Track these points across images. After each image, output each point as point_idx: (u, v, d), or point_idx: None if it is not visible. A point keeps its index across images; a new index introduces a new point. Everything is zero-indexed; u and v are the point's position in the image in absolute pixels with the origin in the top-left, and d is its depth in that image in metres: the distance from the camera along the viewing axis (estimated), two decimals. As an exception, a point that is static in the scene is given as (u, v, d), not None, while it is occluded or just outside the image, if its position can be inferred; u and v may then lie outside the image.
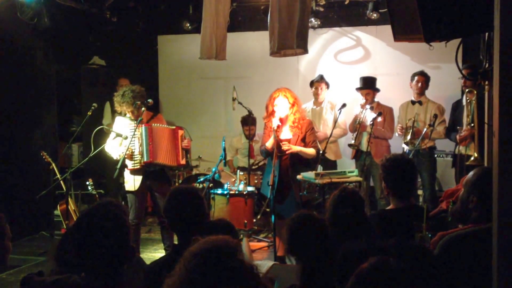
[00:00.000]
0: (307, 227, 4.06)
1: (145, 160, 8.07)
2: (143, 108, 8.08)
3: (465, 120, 8.95)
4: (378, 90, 10.25)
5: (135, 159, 8.10)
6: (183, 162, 8.44)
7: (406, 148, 9.74)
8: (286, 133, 8.09)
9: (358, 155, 10.06)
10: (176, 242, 4.86)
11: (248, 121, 11.00)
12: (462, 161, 8.97)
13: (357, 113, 10.29)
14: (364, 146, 9.87)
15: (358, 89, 10.31)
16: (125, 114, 8.33)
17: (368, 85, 10.24)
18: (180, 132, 8.42)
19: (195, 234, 3.66)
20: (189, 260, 2.73)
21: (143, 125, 8.10)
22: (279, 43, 7.60)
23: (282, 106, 8.01)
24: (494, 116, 2.65)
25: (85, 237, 3.49)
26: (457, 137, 9.06)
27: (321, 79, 10.72)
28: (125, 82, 11.03)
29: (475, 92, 8.56)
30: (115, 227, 3.52)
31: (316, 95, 10.67)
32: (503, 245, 2.65)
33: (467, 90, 8.83)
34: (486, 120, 6.81)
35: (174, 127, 8.44)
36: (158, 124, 8.29)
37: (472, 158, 8.47)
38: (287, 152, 7.95)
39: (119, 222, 3.57)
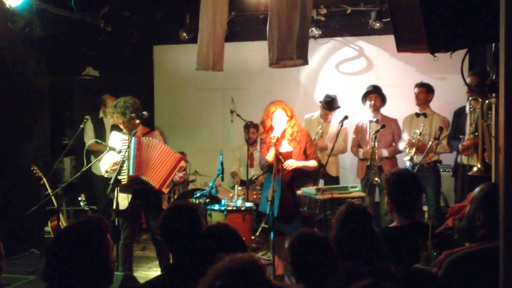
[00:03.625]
0: (311, 248, 4.03)
1: (130, 174, 7.88)
2: (137, 121, 8.00)
3: (468, 129, 8.92)
4: (385, 99, 10.23)
5: (123, 173, 7.92)
6: (165, 190, 8.24)
7: (408, 163, 9.71)
8: (285, 146, 8.06)
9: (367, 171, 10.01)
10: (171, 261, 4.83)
11: (251, 125, 10.98)
12: (465, 171, 8.94)
13: (359, 124, 10.28)
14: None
15: (366, 94, 10.26)
16: (121, 129, 8.27)
17: (376, 89, 10.22)
18: (182, 163, 8.24)
19: (192, 252, 3.63)
20: (214, 279, 2.69)
21: (133, 137, 7.95)
22: (279, 54, 7.60)
23: (280, 120, 7.97)
24: (500, 132, 2.62)
25: (61, 257, 3.48)
26: (460, 146, 9.03)
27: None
28: (110, 98, 10.97)
29: (480, 100, 8.55)
30: (91, 247, 3.50)
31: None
32: (509, 264, 2.63)
33: (470, 98, 8.81)
34: (492, 133, 6.79)
35: (179, 154, 8.25)
36: (151, 138, 8.17)
37: (475, 169, 8.44)
38: (289, 169, 7.93)
39: (96, 242, 3.55)
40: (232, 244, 4.09)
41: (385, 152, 9.93)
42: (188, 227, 4.48)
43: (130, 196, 8.02)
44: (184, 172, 8.35)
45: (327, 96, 10.46)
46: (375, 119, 10.00)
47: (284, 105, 8.07)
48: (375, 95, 10.17)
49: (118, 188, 7.93)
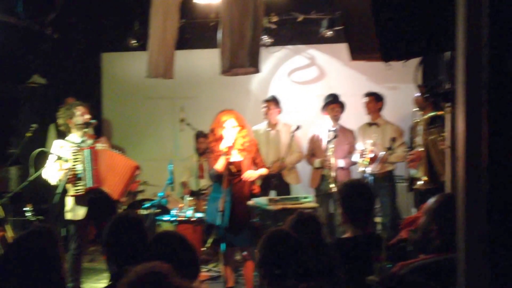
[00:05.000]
0: (282, 244, 4.02)
1: (88, 185, 7.80)
2: (85, 129, 7.93)
3: (415, 141, 9.00)
4: (344, 107, 10.28)
5: (78, 184, 7.83)
6: (122, 200, 8.24)
7: (364, 173, 9.74)
8: (235, 156, 8.04)
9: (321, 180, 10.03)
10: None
11: (201, 134, 10.93)
12: (412, 184, 9.03)
13: (314, 135, 10.29)
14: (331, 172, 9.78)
15: (327, 104, 10.25)
16: (67, 133, 8.16)
17: (336, 98, 10.25)
18: (137, 171, 8.24)
19: (136, 262, 3.58)
20: None
21: (88, 147, 7.89)
22: (231, 61, 7.56)
23: (232, 130, 7.94)
24: (459, 141, 2.62)
25: (13, 270, 3.40)
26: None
27: (272, 98, 10.66)
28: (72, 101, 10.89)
29: (422, 112, 8.63)
30: (44, 258, 3.44)
31: (264, 114, 10.58)
32: (470, 276, 2.62)
33: (415, 109, 8.90)
34: (446, 144, 6.83)
35: (134, 163, 8.21)
36: (106, 147, 8.11)
37: (420, 182, 8.50)
38: (250, 180, 7.94)
39: (49, 253, 3.48)
40: (182, 251, 4.05)
41: (341, 162, 9.94)
42: (132, 238, 4.42)
43: (84, 206, 7.92)
44: (138, 180, 8.33)
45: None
46: (334, 128, 10.01)
47: (236, 114, 8.06)
48: (337, 104, 10.18)
49: (74, 198, 7.88)
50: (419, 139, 8.62)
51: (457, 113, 2.65)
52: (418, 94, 8.47)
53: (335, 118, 10.16)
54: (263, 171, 8.22)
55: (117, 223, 4.58)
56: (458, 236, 2.69)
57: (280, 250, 4.02)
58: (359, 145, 10.00)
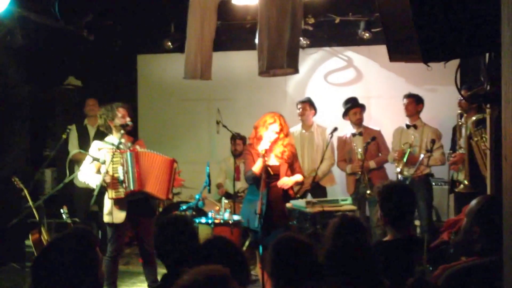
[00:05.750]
0: (292, 250, 4.02)
1: (131, 188, 7.78)
2: (122, 131, 7.96)
3: (458, 143, 8.96)
4: (365, 109, 10.28)
5: (119, 188, 7.80)
6: (170, 196, 8.27)
7: (399, 176, 9.72)
8: (272, 160, 8.04)
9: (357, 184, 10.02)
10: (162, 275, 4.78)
11: (237, 136, 10.97)
12: (454, 187, 8.99)
13: (342, 138, 10.28)
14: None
15: (347, 109, 10.27)
16: (103, 138, 8.21)
17: (357, 102, 10.24)
18: (175, 165, 8.20)
19: (188, 265, 3.60)
20: None
21: (128, 150, 7.92)
22: (269, 62, 7.57)
23: (274, 133, 7.94)
24: (507, 139, 2.61)
25: (49, 273, 3.42)
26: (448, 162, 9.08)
27: (307, 100, 10.68)
28: (92, 102, 10.98)
29: (465, 114, 8.59)
30: (80, 261, 3.45)
31: (300, 115, 10.61)
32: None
33: (458, 112, 8.85)
34: (488, 146, 6.79)
35: (169, 158, 8.20)
36: (145, 149, 8.14)
37: (461, 186, 8.47)
38: (285, 188, 7.93)
39: (86, 256, 3.49)
40: (232, 257, 4.06)
41: (372, 164, 9.92)
42: (184, 240, 4.45)
43: (125, 209, 7.91)
44: (178, 172, 8.31)
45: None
46: (358, 132, 10.01)
47: (283, 121, 8.05)
48: (358, 108, 10.17)
49: (113, 201, 7.85)
50: (462, 142, 8.60)
51: (505, 113, 2.63)
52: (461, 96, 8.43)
53: (358, 122, 10.16)
54: (298, 177, 8.15)
55: (168, 225, 4.61)
56: (505, 238, 2.67)
57: (289, 256, 4.02)
58: (396, 147, 9.96)
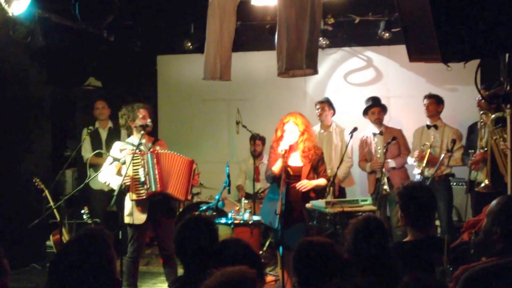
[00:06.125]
0: (315, 252, 4.01)
1: (153, 190, 7.79)
2: (142, 131, 8.00)
3: (478, 143, 8.92)
4: (386, 110, 10.27)
5: (140, 189, 7.83)
6: (189, 197, 8.29)
7: (418, 176, 9.71)
8: (295, 160, 8.02)
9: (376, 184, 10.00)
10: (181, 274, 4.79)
11: (257, 136, 10.98)
12: (473, 187, 8.96)
13: (363, 138, 10.28)
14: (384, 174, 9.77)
15: (366, 108, 10.29)
16: (128, 134, 8.25)
17: (377, 101, 10.24)
18: (194, 165, 8.21)
19: (208, 265, 3.62)
20: None
21: (149, 152, 7.95)
22: (288, 63, 7.57)
23: (291, 133, 7.94)
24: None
25: (64, 272, 3.45)
26: (469, 161, 9.05)
27: (325, 100, 10.69)
28: (102, 105, 11.01)
29: (490, 114, 8.55)
30: (95, 260, 3.48)
31: (319, 116, 10.64)
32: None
33: (481, 112, 8.82)
34: (508, 146, 6.78)
35: (189, 159, 8.19)
36: (165, 150, 8.15)
37: (482, 185, 8.44)
38: (303, 190, 7.91)
39: (101, 255, 3.52)
40: (246, 258, 4.07)
41: (392, 163, 9.91)
42: (204, 240, 4.47)
43: (146, 210, 7.94)
44: (197, 173, 8.32)
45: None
46: (378, 131, 10.00)
47: (299, 119, 8.03)
48: (377, 108, 10.17)
49: (134, 202, 7.88)
50: (484, 141, 8.58)
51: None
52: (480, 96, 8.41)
53: (377, 122, 10.15)
54: (321, 181, 8.09)
55: (188, 225, 4.63)
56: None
57: (313, 259, 4.02)
58: (416, 147, 9.94)
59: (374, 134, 10.07)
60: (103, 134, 10.87)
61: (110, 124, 10.92)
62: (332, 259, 3.99)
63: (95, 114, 11.12)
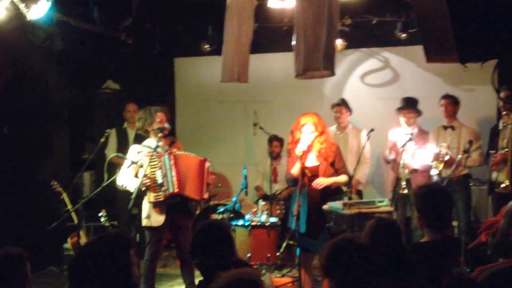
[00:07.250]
0: (347, 249, 4.00)
1: (170, 191, 7.80)
2: (159, 134, 8.03)
3: (500, 144, 8.88)
4: (420, 113, 10.23)
5: (158, 191, 7.85)
6: (206, 196, 8.30)
7: (436, 177, 9.67)
8: (312, 160, 8.01)
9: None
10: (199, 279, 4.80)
11: (274, 138, 10.99)
12: (493, 188, 8.92)
13: (393, 140, 10.23)
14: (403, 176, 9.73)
15: (400, 108, 10.26)
16: (141, 141, 8.27)
17: (410, 104, 10.21)
18: (207, 164, 8.23)
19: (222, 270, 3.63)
20: None
21: (166, 153, 7.96)
22: (305, 64, 7.56)
23: (309, 135, 7.93)
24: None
25: (84, 274, 3.46)
26: (490, 161, 9.00)
27: (342, 102, 10.69)
28: (133, 108, 11.05)
29: (508, 115, 8.51)
30: (114, 263, 3.49)
31: (336, 119, 10.64)
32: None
33: (504, 113, 8.77)
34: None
35: (201, 158, 8.24)
36: (182, 152, 8.18)
37: (503, 185, 8.40)
38: (319, 188, 7.89)
39: (120, 258, 3.53)
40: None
41: (417, 164, 9.86)
42: (220, 246, 4.48)
43: (164, 212, 7.95)
44: (211, 171, 8.33)
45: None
46: (410, 132, 9.94)
47: (317, 119, 8.01)
48: (409, 111, 10.14)
49: (151, 204, 7.91)
50: (505, 142, 8.54)
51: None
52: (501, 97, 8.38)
53: (408, 123, 10.11)
54: (341, 178, 8.07)
55: (205, 230, 4.64)
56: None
57: (344, 259, 4.00)
58: (433, 148, 9.89)
59: (406, 134, 9.89)
60: (131, 135, 10.95)
61: None
62: (367, 259, 3.99)
63: (126, 116, 11.22)
